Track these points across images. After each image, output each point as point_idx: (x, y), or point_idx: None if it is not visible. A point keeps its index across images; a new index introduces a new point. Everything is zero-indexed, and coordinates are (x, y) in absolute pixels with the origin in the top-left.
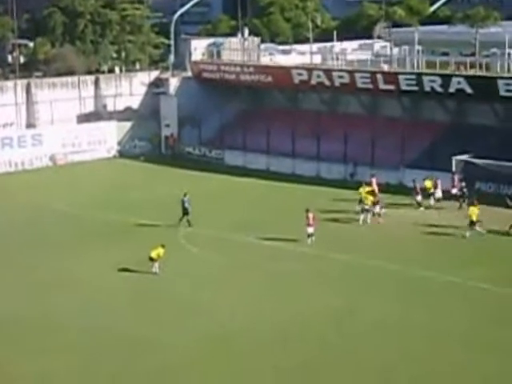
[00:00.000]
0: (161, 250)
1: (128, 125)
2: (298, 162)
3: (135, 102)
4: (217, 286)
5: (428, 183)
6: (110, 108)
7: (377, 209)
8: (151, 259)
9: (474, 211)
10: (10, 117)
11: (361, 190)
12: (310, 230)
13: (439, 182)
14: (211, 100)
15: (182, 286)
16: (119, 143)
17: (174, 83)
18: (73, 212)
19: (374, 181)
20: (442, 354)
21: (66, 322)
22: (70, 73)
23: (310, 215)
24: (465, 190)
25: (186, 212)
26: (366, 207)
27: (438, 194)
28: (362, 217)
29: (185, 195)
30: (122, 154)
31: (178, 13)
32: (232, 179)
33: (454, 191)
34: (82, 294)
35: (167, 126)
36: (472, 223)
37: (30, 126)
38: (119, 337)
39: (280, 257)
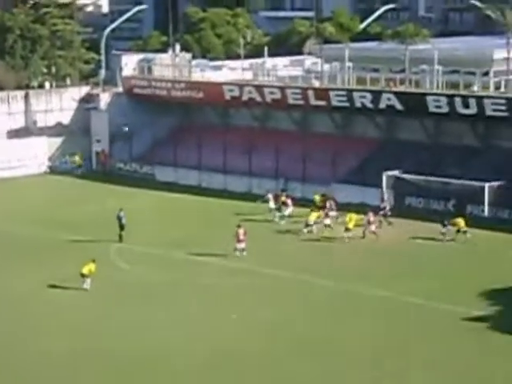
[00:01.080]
0: (92, 266)
1: (59, 140)
2: (230, 177)
3: (66, 118)
4: (148, 303)
5: (317, 198)
6: (40, 123)
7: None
8: (82, 275)
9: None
10: None
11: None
12: (241, 245)
13: (289, 200)
14: (142, 116)
15: (111, 302)
16: (50, 159)
17: (104, 99)
18: (3, 228)
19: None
20: (366, 371)
21: None
22: (0, 88)
23: (241, 231)
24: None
25: (122, 227)
26: (311, 222)
27: (289, 209)
28: (305, 230)
29: (120, 210)
30: (52, 169)
31: (109, 28)
32: (163, 195)
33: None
34: (10, 311)
35: (98, 141)
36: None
37: None
38: (45, 353)
39: (212, 272)
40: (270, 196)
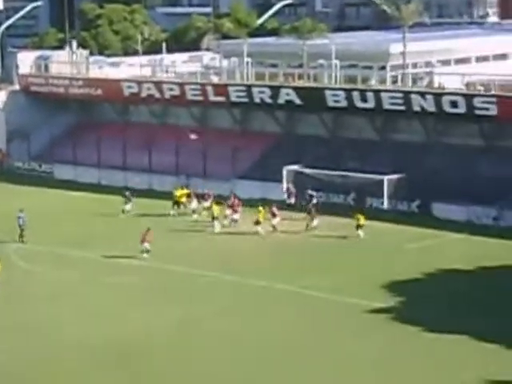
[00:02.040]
0: None
1: None
2: (130, 174)
3: None
4: (50, 301)
5: (179, 192)
6: None
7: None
8: None
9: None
10: None
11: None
12: (146, 245)
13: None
14: (40, 113)
15: (13, 302)
16: None
17: (0, 97)
18: None
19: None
20: (274, 365)
21: None
22: None
23: (148, 232)
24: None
25: (22, 228)
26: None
27: (193, 204)
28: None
29: (21, 211)
30: None
31: (4, 25)
32: (63, 193)
33: (291, 201)
34: None
35: None
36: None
37: None
38: None
39: (114, 271)
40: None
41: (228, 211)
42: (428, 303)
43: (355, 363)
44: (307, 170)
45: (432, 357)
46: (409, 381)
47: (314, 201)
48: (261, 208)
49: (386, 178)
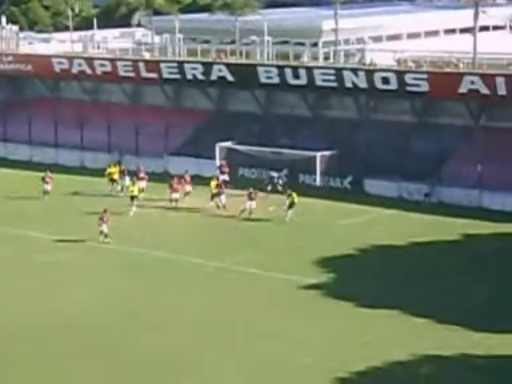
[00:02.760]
0: None
1: None
2: (62, 151)
3: None
4: None
5: (113, 169)
6: None
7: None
8: None
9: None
10: None
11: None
12: (104, 227)
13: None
14: None
15: None
16: None
17: None
18: None
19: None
20: (203, 341)
21: None
22: None
23: (105, 215)
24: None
25: None
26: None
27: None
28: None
29: None
30: None
31: None
32: None
33: (224, 178)
34: None
35: None
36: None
37: None
38: None
39: (47, 248)
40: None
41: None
42: (361, 279)
43: (286, 338)
44: (240, 147)
45: (364, 332)
46: (340, 357)
47: (280, 181)
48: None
49: (318, 154)
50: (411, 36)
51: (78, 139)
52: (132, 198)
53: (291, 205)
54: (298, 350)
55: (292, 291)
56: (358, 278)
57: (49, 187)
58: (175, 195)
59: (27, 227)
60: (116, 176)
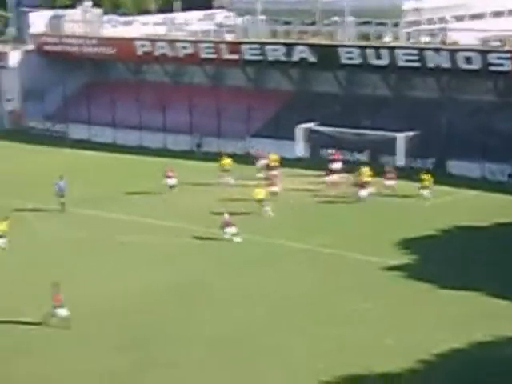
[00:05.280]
0: (4, 224)
1: None
2: (145, 134)
3: None
4: (64, 259)
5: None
6: None
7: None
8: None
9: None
10: None
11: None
12: (232, 229)
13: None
14: (54, 73)
15: (29, 259)
16: None
17: (14, 57)
18: None
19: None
20: (282, 320)
21: None
22: None
23: (226, 216)
24: None
25: (62, 195)
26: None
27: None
28: None
29: (61, 178)
30: None
31: None
32: (77, 153)
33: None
34: None
35: (9, 100)
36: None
37: None
38: None
39: (129, 230)
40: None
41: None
42: (442, 260)
43: (366, 319)
44: (321, 128)
45: (444, 314)
46: (420, 338)
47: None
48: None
49: (400, 135)
50: (495, 15)
51: (161, 121)
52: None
53: (364, 184)
54: (378, 331)
55: (373, 272)
56: (440, 260)
57: (174, 181)
58: (275, 188)
59: (111, 209)
60: (229, 166)
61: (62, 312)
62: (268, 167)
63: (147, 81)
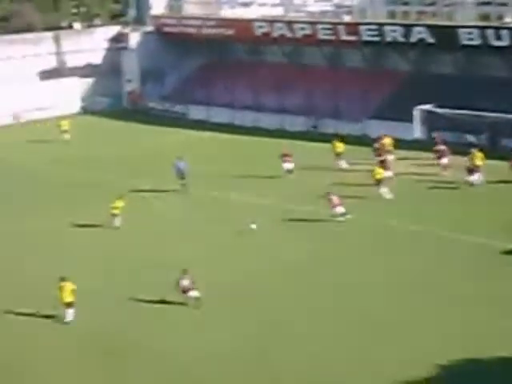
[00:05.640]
0: (120, 203)
1: (90, 81)
2: (262, 114)
3: (96, 58)
4: (179, 240)
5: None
6: (70, 64)
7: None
8: (113, 214)
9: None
10: None
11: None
12: (340, 209)
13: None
14: (173, 54)
15: (144, 239)
16: (82, 99)
17: (134, 38)
18: (37, 169)
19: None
20: (405, 303)
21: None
22: (29, 29)
23: (334, 197)
24: None
25: (182, 176)
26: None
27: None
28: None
29: (180, 159)
30: (85, 110)
31: None
32: (195, 134)
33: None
34: (42, 250)
35: (129, 81)
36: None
37: None
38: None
39: (247, 211)
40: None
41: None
42: None
43: (485, 300)
44: (439, 110)
45: None
46: None
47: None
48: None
49: None
50: None
51: (278, 102)
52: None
53: (475, 168)
54: (495, 312)
55: (492, 256)
56: None
57: (290, 165)
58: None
59: (223, 189)
60: (342, 150)
61: (193, 293)
62: (381, 151)
63: (265, 62)
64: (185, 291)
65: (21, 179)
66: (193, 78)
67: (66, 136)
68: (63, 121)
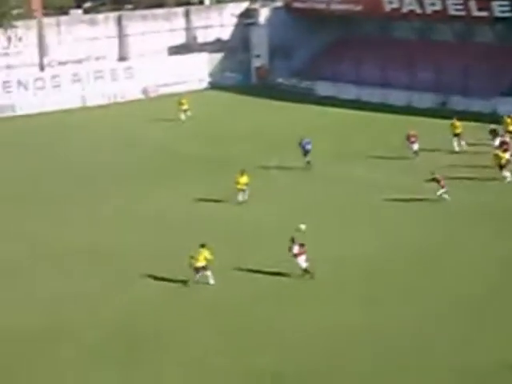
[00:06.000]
0: (244, 179)
1: (219, 56)
2: (389, 91)
3: (225, 34)
4: (308, 215)
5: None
6: (200, 40)
7: None
8: (238, 189)
9: None
10: (102, 50)
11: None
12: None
13: None
14: (301, 30)
15: (270, 214)
16: (210, 75)
17: (264, 13)
18: (165, 144)
19: None
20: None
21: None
22: (161, 5)
23: (439, 176)
24: None
25: (306, 153)
26: None
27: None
28: None
29: (304, 137)
30: (213, 85)
31: None
32: (322, 110)
33: None
34: (167, 224)
35: (257, 56)
36: None
37: (121, 58)
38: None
39: (377, 189)
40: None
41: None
42: None
43: None
44: None
45: None
46: None
47: None
48: None
49: None
50: None
51: (406, 79)
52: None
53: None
54: None
55: None
56: None
57: (416, 146)
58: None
59: (350, 165)
60: (460, 130)
61: (302, 263)
62: (504, 131)
63: (393, 38)
64: (296, 256)
65: (147, 153)
66: (321, 54)
67: (187, 114)
68: (183, 99)
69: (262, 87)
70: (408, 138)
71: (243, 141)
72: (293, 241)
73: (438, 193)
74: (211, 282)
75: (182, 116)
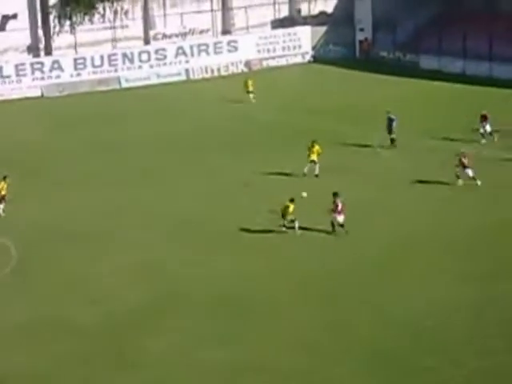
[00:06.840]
0: (315, 151)
1: (322, 30)
2: (495, 65)
3: (329, 7)
4: (401, 189)
5: None
6: (304, 13)
7: None
8: (311, 161)
9: None
10: (206, 23)
11: None
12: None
13: None
14: (406, 3)
15: (364, 188)
16: (314, 48)
17: None
18: (267, 117)
19: None
20: None
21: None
22: None
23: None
24: None
25: (391, 130)
26: None
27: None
28: None
29: (388, 112)
30: (316, 59)
31: None
32: (426, 83)
33: None
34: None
35: (361, 30)
36: None
37: (225, 32)
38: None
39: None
40: None
41: None
42: None
43: None
44: None
45: None
46: None
47: None
48: None
49: None
50: None
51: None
52: None
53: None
54: None
55: None
56: None
57: (488, 128)
58: None
59: (451, 142)
60: None
61: (340, 219)
62: None
63: (500, 12)
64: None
65: (250, 128)
66: (425, 27)
67: (251, 96)
68: (249, 80)
69: (365, 61)
70: (481, 118)
71: (348, 115)
72: (336, 195)
73: (471, 174)
74: (298, 232)
75: (250, 96)
